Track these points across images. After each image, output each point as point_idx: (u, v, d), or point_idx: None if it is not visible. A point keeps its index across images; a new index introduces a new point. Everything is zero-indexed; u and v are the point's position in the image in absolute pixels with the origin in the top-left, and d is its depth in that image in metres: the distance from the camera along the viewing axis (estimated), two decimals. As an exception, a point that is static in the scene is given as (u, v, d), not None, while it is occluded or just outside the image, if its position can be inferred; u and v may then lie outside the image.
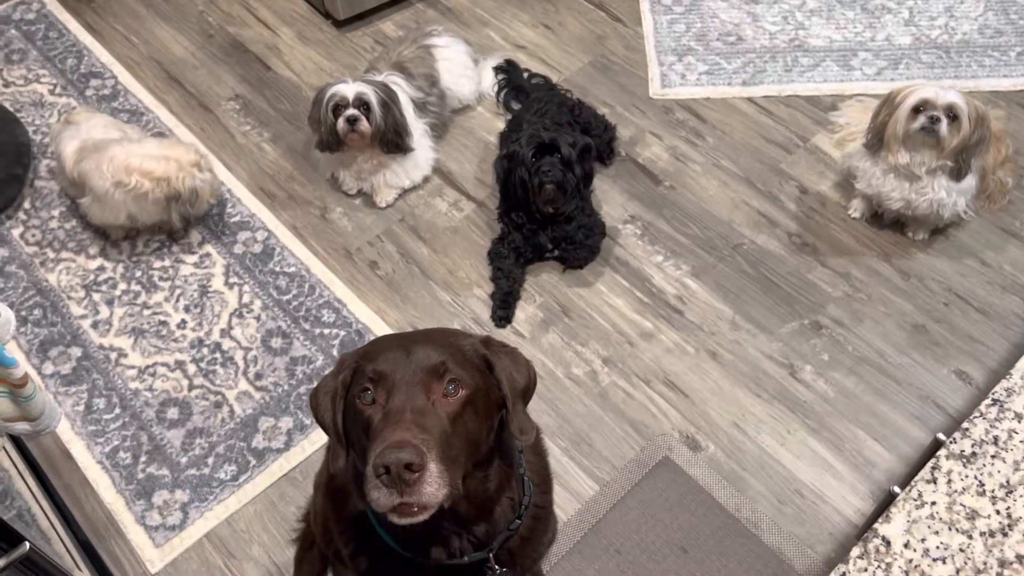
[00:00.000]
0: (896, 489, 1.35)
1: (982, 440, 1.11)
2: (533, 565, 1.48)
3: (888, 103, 2.27)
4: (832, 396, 2.22)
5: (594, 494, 2.07)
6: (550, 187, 2.29)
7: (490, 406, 1.19)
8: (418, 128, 2.61)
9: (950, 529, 1.04)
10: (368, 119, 2.41)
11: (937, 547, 1.02)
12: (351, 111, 2.40)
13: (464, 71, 2.82)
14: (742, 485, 2.08)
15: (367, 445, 1.10)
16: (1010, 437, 1.11)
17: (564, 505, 2.06)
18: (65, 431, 2.20)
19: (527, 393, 1.25)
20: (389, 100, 2.47)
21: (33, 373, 2.30)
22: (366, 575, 1.37)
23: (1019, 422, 1.13)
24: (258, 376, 2.28)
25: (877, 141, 2.31)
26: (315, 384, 1.25)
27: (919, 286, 2.42)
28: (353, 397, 1.15)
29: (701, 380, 2.26)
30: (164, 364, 2.31)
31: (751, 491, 2.07)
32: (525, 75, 2.85)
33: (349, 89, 2.41)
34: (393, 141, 2.49)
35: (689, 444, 2.15)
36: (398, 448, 1.02)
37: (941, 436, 1.35)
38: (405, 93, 2.60)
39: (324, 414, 1.21)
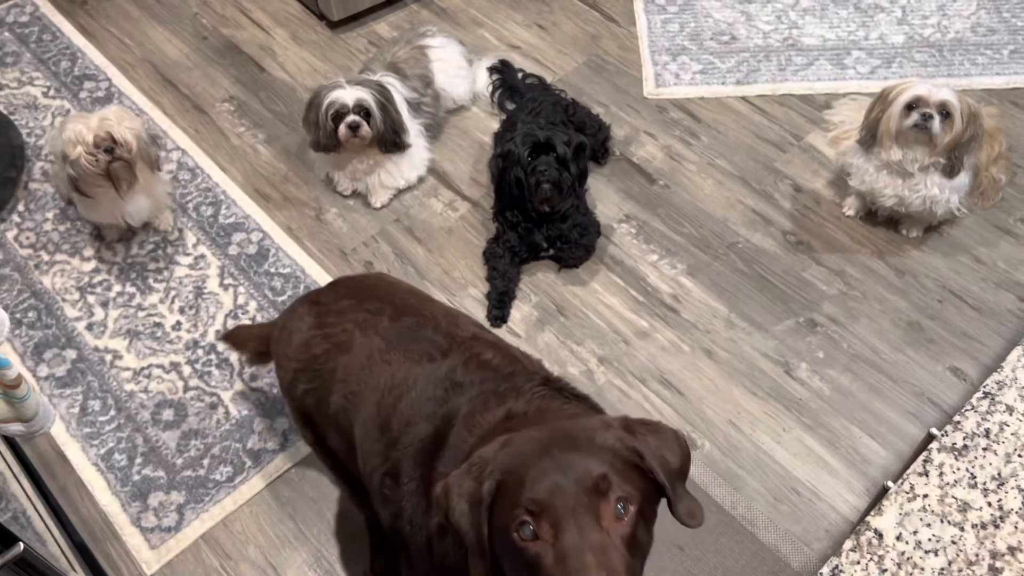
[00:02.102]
0: (890, 483, 1.36)
1: (974, 433, 1.12)
2: None
3: (881, 100, 2.27)
4: (827, 393, 2.23)
5: (590, 493, 2.07)
6: (547, 186, 2.30)
7: (654, 507, 1.07)
8: (413, 128, 2.61)
9: (942, 521, 1.04)
10: (369, 123, 2.42)
11: (929, 539, 1.03)
12: (352, 118, 2.40)
13: (458, 71, 2.83)
14: (738, 483, 2.08)
15: None
16: (1001, 430, 1.12)
17: (560, 504, 2.05)
18: (60, 433, 2.19)
19: (684, 471, 1.10)
20: (386, 101, 2.47)
21: (28, 375, 2.30)
22: None
23: (1010, 415, 1.13)
24: (253, 377, 2.28)
25: (870, 138, 2.31)
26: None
27: (913, 283, 2.43)
28: (507, 527, 1.01)
29: (697, 378, 2.26)
30: (159, 366, 2.31)
31: (747, 489, 2.07)
32: (519, 75, 2.85)
33: (348, 95, 2.41)
34: (391, 141, 2.50)
35: (685, 442, 2.15)
36: None
37: (934, 431, 1.36)
38: (400, 93, 2.60)
39: (462, 519, 1.07)
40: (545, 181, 2.29)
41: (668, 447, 1.10)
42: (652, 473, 1.06)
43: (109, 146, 2.25)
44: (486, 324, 2.38)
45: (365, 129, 2.42)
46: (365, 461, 1.46)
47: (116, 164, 2.27)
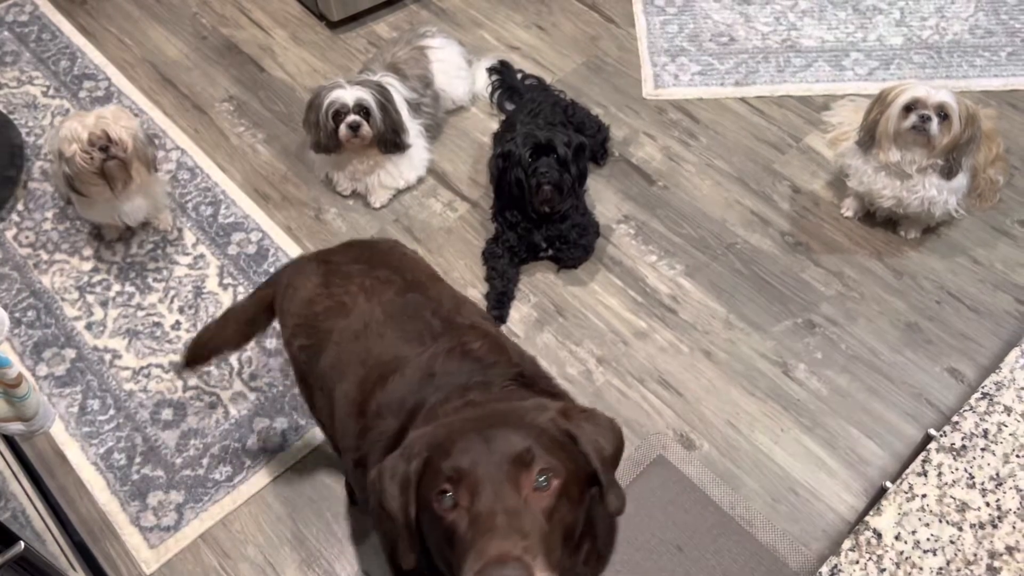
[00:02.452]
0: (888, 484, 1.36)
1: (972, 433, 1.12)
2: None
3: (880, 101, 2.28)
4: (826, 394, 2.23)
5: (589, 493, 2.07)
6: (547, 188, 2.31)
7: (582, 488, 1.07)
8: (412, 129, 2.62)
9: (940, 521, 1.04)
10: (369, 123, 2.43)
11: (928, 539, 1.03)
12: (352, 117, 2.41)
13: (458, 72, 2.83)
14: (736, 483, 2.09)
15: (451, 555, 0.99)
16: (999, 430, 1.12)
17: (559, 504, 2.06)
18: (59, 432, 2.19)
19: (616, 459, 1.12)
20: (386, 101, 2.48)
21: (27, 374, 2.29)
22: None
23: (1008, 415, 1.14)
24: (253, 377, 2.28)
25: (869, 139, 2.32)
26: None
27: (912, 284, 2.44)
28: (429, 499, 1.02)
29: (695, 379, 2.27)
30: (158, 365, 2.31)
31: (745, 489, 2.08)
32: (519, 76, 2.85)
33: (348, 95, 2.42)
34: (392, 141, 2.51)
35: (683, 443, 2.16)
36: (501, 565, 0.90)
37: (932, 431, 1.36)
38: (399, 93, 2.61)
39: (392, 502, 1.07)
40: (546, 183, 2.29)
41: (603, 434, 1.11)
42: (586, 457, 1.07)
43: (104, 144, 2.25)
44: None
45: (365, 129, 2.43)
46: (340, 438, 1.47)
47: (111, 163, 2.27)
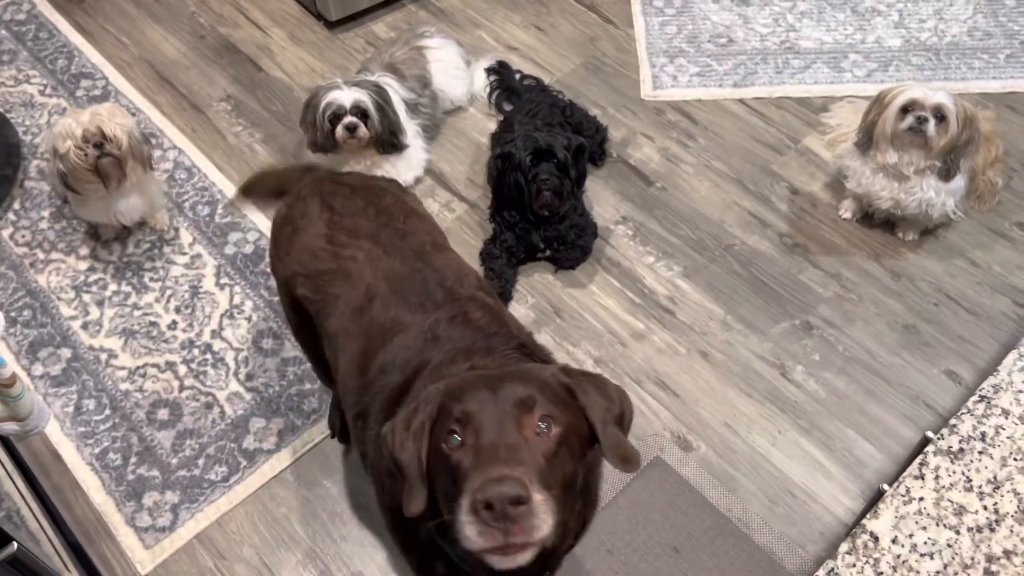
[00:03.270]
0: (885, 487, 1.36)
1: (969, 436, 1.12)
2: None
3: (878, 103, 2.28)
4: (823, 396, 2.23)
5: (585, 494, 2.07)
6: (547, 194, 2.31)
7: (583, 441, 1.12)
8: (410, 129, 2.61)
9: (938, 525, 1.04)
10: (366, 125, 2.42)
11: (925, 542, 1.03)
12: (349, 119, 2.40)
13: (456, 72, 2.83)
14: (733, 485, 2.08)
15: (454, 491, 1.02)
16: (997, 433, 1.12)
17: (555, 505, 2.05)
18: (55, 432, 2.19)
19: (623, 419, 1.16)
20: (383, 102, 2.47)
21: (22, 374, 2.29)
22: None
23: (1006, 418, 1.13)
24: (249, 377, 2.27)
25: (867, 140, 2.32)
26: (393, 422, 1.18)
27: (909, 286, 2.43)
28: (439, 441, 1.07)
29: (692, 380, 2.26)
30: (154, 365, 2.30)
31: (742, 491, 2.07)
32: (517, 76, 2.85)
33: (345, 96, 2.41)
34: (389, 141, 2.50)
35: (680, 444, 2.15)
36: (500, 482, 0.94)
37: (930, 434, 1.36)
38: (397, 94, 2.60)
39: (404, 452, 1.11)
40: (547, 189, 2.30)
41: (605, 395, 1.16)
42: (585, 411, 1.12)
43: (99, 141, 2.24)
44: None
45: (362, 131, 2.42)
46: (343, 395, 1.52)
47: (105, 160, 2.26)
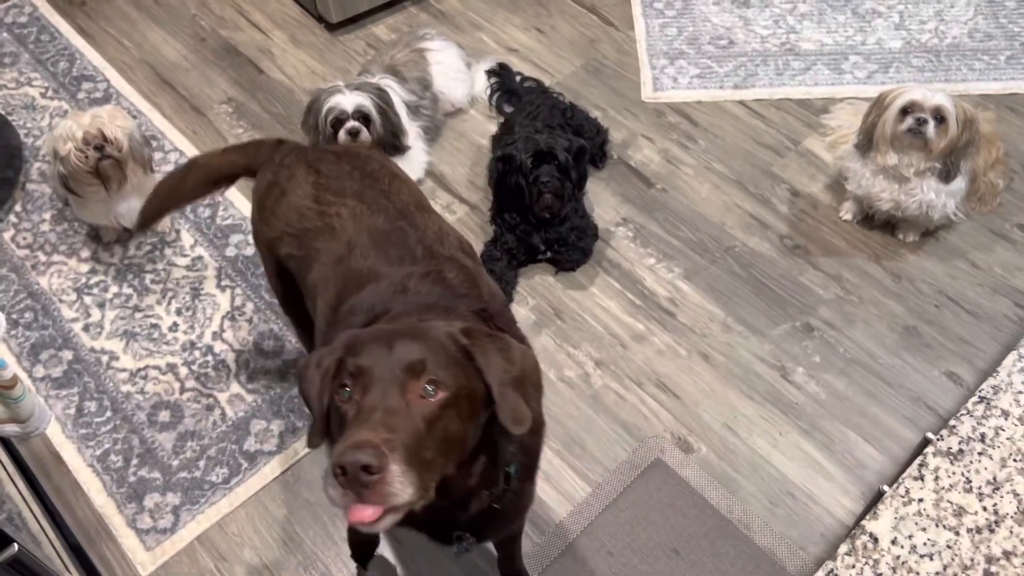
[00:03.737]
0: (885, 488, 1.36)
1: (969, 437, 1.12)
2: (498, 536, 1.49)
3: (878, 104, 2.28)
4: (823, 398, 2.23)
5: (586, 496, 2.07)
6: (549, 196, 2.31)
7: (476, 404, 1.15)
8: (411, 131, 2.62)
9: (937, 526, 1.04)
10: (369, 129, 2.43)
11: (924, 544, 1.03)
12: (352, 123, 2.41)
13: (457, 74, 2.83)
14: (734, 487, 2.08)
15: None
16: (997, 434, 1.12)
17: (556, 507, 2.06)
18: (56, 434, 2.19)
19: (522, 381, 1.18)
20: (385, 105, 2.47)
21: (24, 376, 2.29)
22: None
23: (1006, 419, 1.13)
24: (250, 379, 2.28)
25: (867, 142, 2.32)
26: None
27: (910, 288, 2.43)
28: (334, 390, 1.13)
29: (693, 382, 2.26)
30: (156, 367, 2.31)
31: (743, 493, 2.07)
32: (517, 78, 2.85)
33: (347, 101, 2.41)
34: (391, 144, 2.50)
35: (681, 446, 2.15)
36: (356, 449, 0.99)
37: (930, 435, 1.36)
38: (398, 96, 2.61)
39: (311, 389, 1.18)
40: (548, 191, 2.30)
41: (507, 357, 1.18)
42: (482, 373, 1.14)
43: (99, 143, 2.25)
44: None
45: (365, 135, 2.43)
46: (317, 336, 1.59)
47: (105, 162, 2.27)
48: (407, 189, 1.71)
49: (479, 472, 1.22)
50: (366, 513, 1.01)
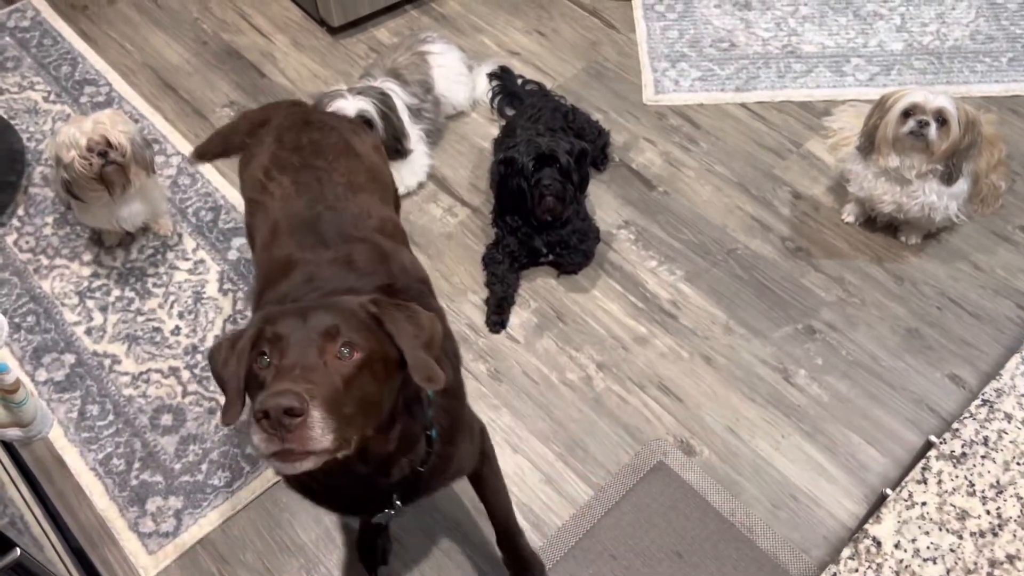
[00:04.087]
0: (888, 491, 1.36)
1: (972, 440, 1.12)
2: (427, 497, 1.54)
3: (879, 107, 2.28)
4: (826, 400, 2.22)
5: (588, 499, 2.07)
6: (550, 199, 2.31)
7: (390, 367, 1.21)
8: (413, 134, 2.62)
9: (940, 529, 1.04)
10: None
11: (928, 547, 1.03)
12: None
13: (458, 77, 2.83)
14: (736, 489, 2.08)
15: None
16: (1000, 437, 1.12)
17: (558, 510, 2.05)
18: (58, 438, 2.19)
19: (431, 344, 1.25)
20: (388, 110, 2.48)
21: (26, 380, 2.29)
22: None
23: (1009, 422, 1.13)
24: (252, 382, 2.28)
25: (868, 144, 2.32)
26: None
27: (912, 290, 2.43)
28: (252, 361, 1.17)
29: (695, 385, 2.26)
30: (158, 371, 2.31)
31: (745, 495, 2.07)
32: (519, 81, 2.85)
33: (350, 106, 2.42)
34: (394, 148, 2.51)
35: (683, 449, 2.15)
36: (279, 395, 1.03)
37: (933, 438, 1.35)
38: (401, 99, 2.61)
39: (227, 369, 1.21)
40: (549, 194, 2.30)
41: (415, 323, 1.25)
42: (393, 338, 1.21)
43: (103, 150, 2.25)
44: (483, 329, 2.37)
45: None
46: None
47: (109, 168, 2.27)
48: (348, 167, 1.77)
49: (396, 438, 1.27)
50: (297, 461, 1.06)
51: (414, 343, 1.22)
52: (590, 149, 2.47)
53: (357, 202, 1.70)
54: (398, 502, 1.39)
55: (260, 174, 1.75)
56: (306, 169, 1.73)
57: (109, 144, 2.26)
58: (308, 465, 1.06)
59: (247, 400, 1.20)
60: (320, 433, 1.05)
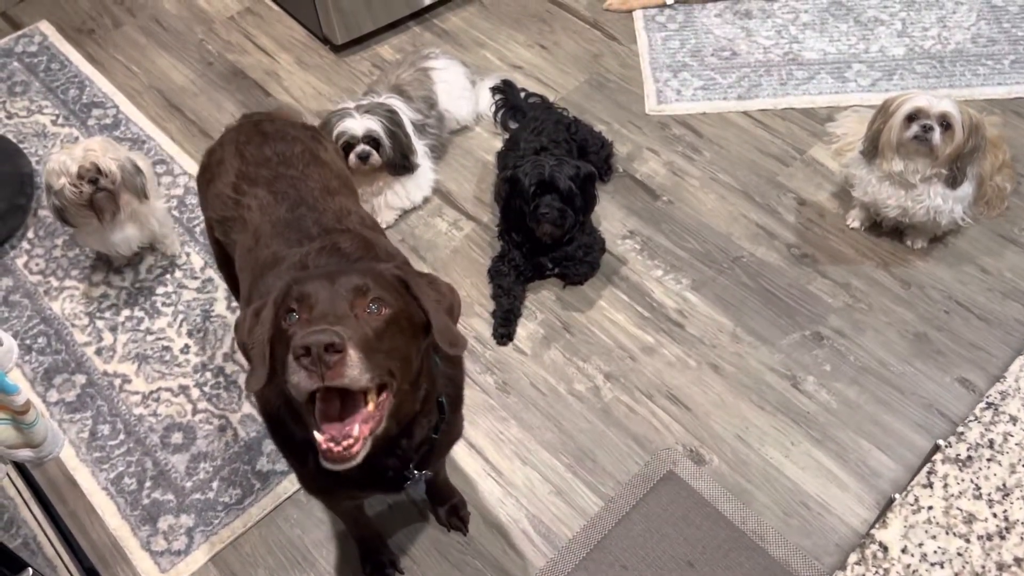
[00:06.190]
0: (895, 496, 1.35)
1: (978, 444, 1.11)
2: (436, 464, 1.60)
3: (883, 112, 2.28)
4: (835, 406, 2.22)
5: (599, 510, 2.06)
6: (547, 225, 2.32)
7: (415, 327, 1.24)
8: (419, 149, 2.63)
9: (947, 533, 1.04)
10: (379, 152, 2.45)
11: (935, 552, 1.02)
12: (362, 147, 2.43)
13: (462, 92, 2.85)
14: (747, 498, 2.07)
15: (288, 357, 1.11)
16: (1005, 440, 1.11)
17: (568, 522, 2.05)
18: (70, 458, 2.20)
19: (452, 311, 1.30)
20: (394, 126, 2.49)
21: (38, 401, 2.31)
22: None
23: (1014, 425, 1.13)
24: (261, 399, 2.29)
25: (872, 149, 2.32)
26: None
27: (919, 294, 2.42)
28: (280, 321, 1.18)
29: (703, 393, 2.26)
30: (168, 389, 2.32)
31: (756, 504, 2.06)
32: (522, 95, 2.87)
33: (358, 125, 2.43)
34: (401, 164, 2.52)
35: (693, 458, 2.15)
36: (318, 331, 1.04)
37: (941, 442, 1.35)
38: (406, 115, 2.63)
39: (252, 336, 1.23)
40: (546, 221, 2.31)
41: (436, 289, 1.31)
42: (419, 301, 1.25)
43: (94, 176, 2.27)
44: (491, 341, 2.38)
45: (375, 158, 2.45)
46: None
47: (100, 195, 2.29)
48: (319, 174, 1.78)
49: (422, 398, 1.32)
50: (348, 449, 1.09)
51: (437, 308, 1.26)
52: (592, 160, 2.47)
53: (335, 202, 1.72)
54: (415, 471, 1.42)
55: (229, 191, 1.75)
56: (279, 179, 1.74)
57: (99, 171, 2.27)
58: (358, 456, 1.10)
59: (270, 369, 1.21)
60: (359, 372, 1.06)
